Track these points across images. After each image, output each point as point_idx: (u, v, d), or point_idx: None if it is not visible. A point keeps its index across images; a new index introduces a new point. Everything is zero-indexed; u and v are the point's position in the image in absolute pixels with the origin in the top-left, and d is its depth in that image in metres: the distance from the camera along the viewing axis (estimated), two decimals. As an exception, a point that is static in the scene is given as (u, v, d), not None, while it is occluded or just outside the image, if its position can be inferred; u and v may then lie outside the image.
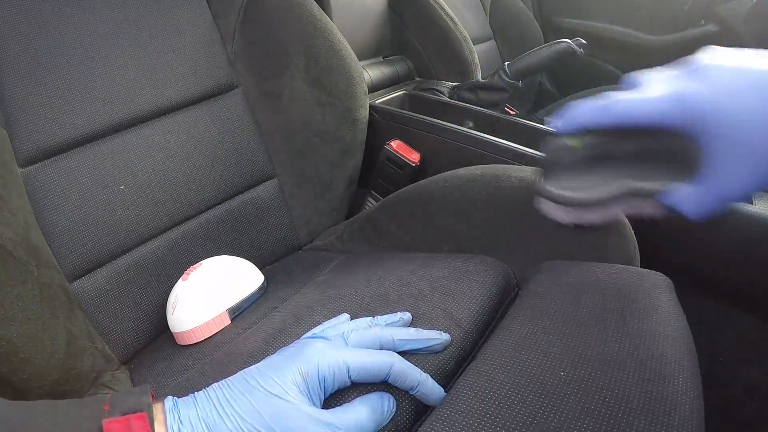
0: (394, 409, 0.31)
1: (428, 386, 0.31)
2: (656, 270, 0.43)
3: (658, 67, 0.33)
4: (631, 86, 0.34)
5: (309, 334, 0.34)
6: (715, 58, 0.30)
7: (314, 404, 0.28)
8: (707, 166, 0.29)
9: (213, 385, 0.29)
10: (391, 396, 0.31)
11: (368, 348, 0.32)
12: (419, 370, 0.32)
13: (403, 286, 0.45)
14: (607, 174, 0.34)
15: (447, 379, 0.36)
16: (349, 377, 0.29)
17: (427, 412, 0.33)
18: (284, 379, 0.27)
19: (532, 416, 0.29)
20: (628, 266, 0.44)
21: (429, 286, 0.44)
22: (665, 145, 0.32)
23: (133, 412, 0.25)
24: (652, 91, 0.31)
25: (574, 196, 0.35)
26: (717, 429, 0.57)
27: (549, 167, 0.36)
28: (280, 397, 0.26)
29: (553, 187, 0.36)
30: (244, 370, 0.29)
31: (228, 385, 0.28)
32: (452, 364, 0.37)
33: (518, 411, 0.30)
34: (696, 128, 0.29)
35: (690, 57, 0.31)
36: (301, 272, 0.58)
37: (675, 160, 0.32)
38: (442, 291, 0.43)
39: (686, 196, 0.31)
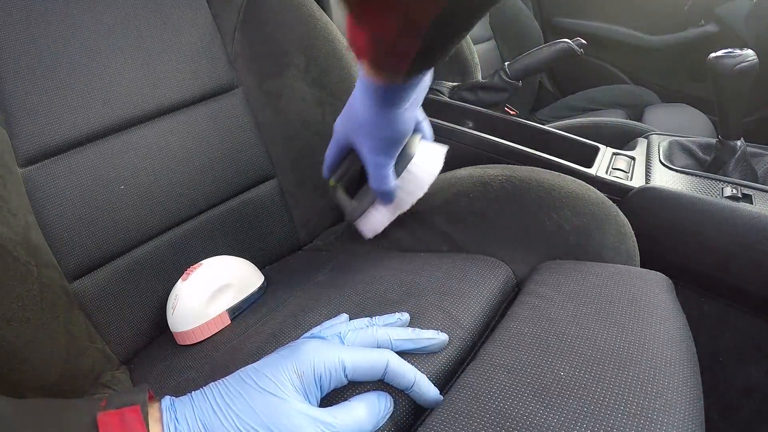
0: (392, 408, 0.31)
1: (423, 386, 0.31)
2: (656, 270, 0.43)
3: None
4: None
5: (307, 334, 0.34)
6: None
7: (310, 403, 0.28)
8: (362, 154, 0.47)
9: (210, 384, 0.29)
10: (388, 395, 0.31)
11: (365, 347, 0.32)
12: (415, 369, 0.32)
13: (402, 286, 0.45)
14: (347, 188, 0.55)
15: (447, 379, 0.36)
16: (345, 376, 0.29)
17: (427, 412, 0.33)
18: (280, 377, 0.27)
19: (531, 416, 0.29)
20: (628, 266, 0.44)
21: (429, 286, 0.44)
22: (349, 158, 0.51)
23: (129, 406, 0.25)
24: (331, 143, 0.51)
25: (348, 206, 0.53)
26: (717, 429, 0.57)
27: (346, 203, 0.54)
28: (276, 396, 0.26)
29: (349, 206, 0.53)
30: (241, 369, 0.29)
31: (224, 383, 0.28)
32: (452, 364, 0.37)
33: (518, 411, 0.30)
34: (350, 144, 0.48)
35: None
36: (301, 272, 0.58)
37: (356, 160, 0.50)
38: (442, 291, 0.43)
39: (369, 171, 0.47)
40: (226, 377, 0.29)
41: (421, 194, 0.51)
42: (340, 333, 0.33)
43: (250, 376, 0.28)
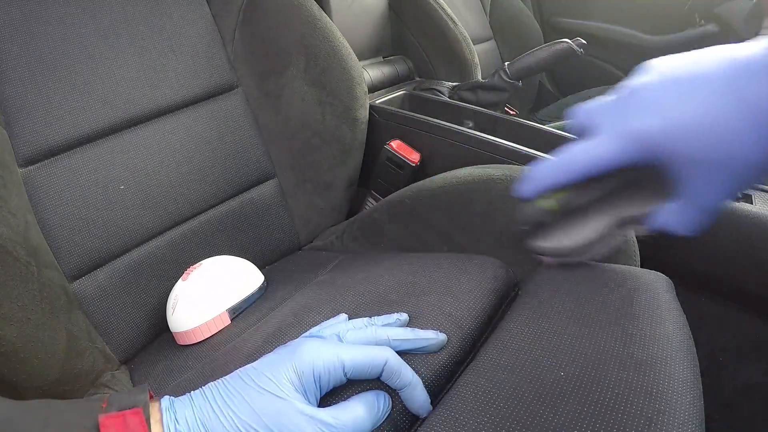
0: (390, 408, 0.31)
1: (417, 390, 0.31)
2: (656, 270, 0.43)
3: (598, 97, 0.33)
4: (578, 128, 0.34)
5: (306, 333, 0.34)
6: (651, 74, 0.30)
7: (310, 402, 0.28)
8: (680, 185, 0.30)
9: (209, 383, 0.29)
10: (386, 394, 0.31)
11: (364, 345, 0.32)
12: (413, 371, 0.31)
13: (402, 286, 0.45)
14: (590, 215, 0.35)
15: (447, 379, 0.36)
16: (345, 374, 0.29)
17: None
18: (279, 377, 0.27)
19: (531, 416, 0.29)
20: (628, 266, 0.44)
21: (429, 286, 0.44)
22: (634, 178, 0.33)
23: (130, 408, 0.25)
24: (603, 136, 0.31)
25: (567, 245, 0.35)
26: (717, 429, 0.57)
27: (533, 230, 0.37)
28: (276, 395, 0.26)
29: (544, 243, 0.36)
30: (240, 368, 0.29)
31: (224, 383, 0.28)
32: (452, 364, 0.37)
33: (518, 411, 0.30)
34: (657, 160, 0.29)
35: (626, 80, 0.31)
36: (301, 272, 0.58)
37: (648, 187, 0.33)
38: (442, 291, 0.43)
39: (671, 215, 0.32)
40: (226, 377, 0.29)
41: None
42: (339, 332, 0.33)
43: (249, 376, 0.28)
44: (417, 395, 0.31)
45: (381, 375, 0.30)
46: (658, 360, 0.32)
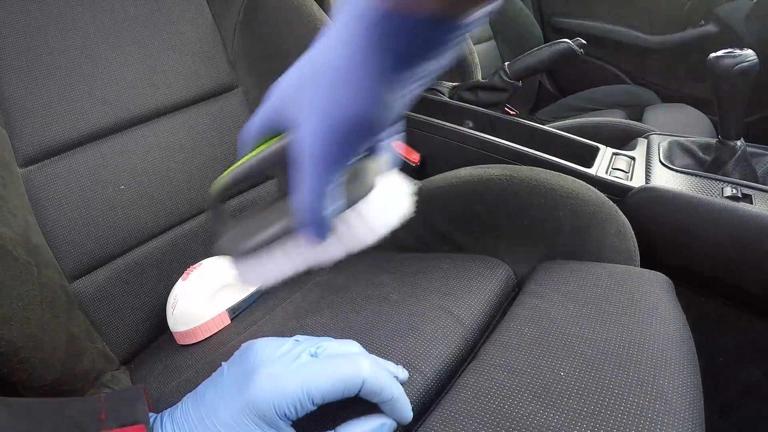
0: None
1: (399, 403, 0.28)
2: (656, 270, 0.43)
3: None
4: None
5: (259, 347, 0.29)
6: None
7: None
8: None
9: (176, 412, 0.27)
10: (393, 423, 0.29)
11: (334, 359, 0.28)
12: (395, 384, 0.28)
13: (403, 286, 0.45)
14: (262, 219, 0.31)
15: (447, 378, 0.36)
16: (314, 405, 0.26)
17: (427, 413, 0.33)
18: (241, 421, 0.25)
19: (531, 416, 0.29)
20: (628, 266, 0.44)
21: (429, 286, 0.44)
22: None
23: (131, 424, 0.25)
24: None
25: (245, 245, 0.30)
26: (717, 429, 0.57)
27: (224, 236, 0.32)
28: None
29: (224, 243, 0.31)
30: (197, 397, 0.27)
31: (188, 417, 0.26)
32: (453, 364, 0.37)
33: (518, 410, 0.30)
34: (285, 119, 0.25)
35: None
36: (301, 272, 0.58)
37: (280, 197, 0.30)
38: (443, 291, 0.43)
39: (294, 218, 0.28)
40: (188, 405, 0.27)
41: (363, 245, 0.31)
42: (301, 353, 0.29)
43: (210, 416, 0.25)
44: (399, 408, 0.28)
45: (359, 393, 0.27)
46: (658, 360, 0.32)
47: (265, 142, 0.28)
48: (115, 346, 0.50)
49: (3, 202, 0.40)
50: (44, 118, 0.47)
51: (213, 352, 0.46)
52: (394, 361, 0.35)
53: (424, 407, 0.33)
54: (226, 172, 0.30)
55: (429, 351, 0.36)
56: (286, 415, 0.25)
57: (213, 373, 0.28)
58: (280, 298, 0.52)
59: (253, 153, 0.28)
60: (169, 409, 0.28)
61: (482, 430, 0.29)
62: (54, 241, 0.46)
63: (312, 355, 0.29)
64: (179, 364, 0.46)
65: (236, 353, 0.29)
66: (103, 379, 0.48)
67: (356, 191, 0.27)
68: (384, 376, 0.28)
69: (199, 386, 0.28)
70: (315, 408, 0.26)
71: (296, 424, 0.28)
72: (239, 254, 0.30)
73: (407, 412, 0.29)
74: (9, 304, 0.38)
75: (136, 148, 0.53)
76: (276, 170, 0.28)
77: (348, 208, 0.27)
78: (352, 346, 0.31)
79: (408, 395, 0.33)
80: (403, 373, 0.33)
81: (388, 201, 0.30)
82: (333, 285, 0.50)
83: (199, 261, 0.54)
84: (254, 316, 0.50)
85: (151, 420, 0.26)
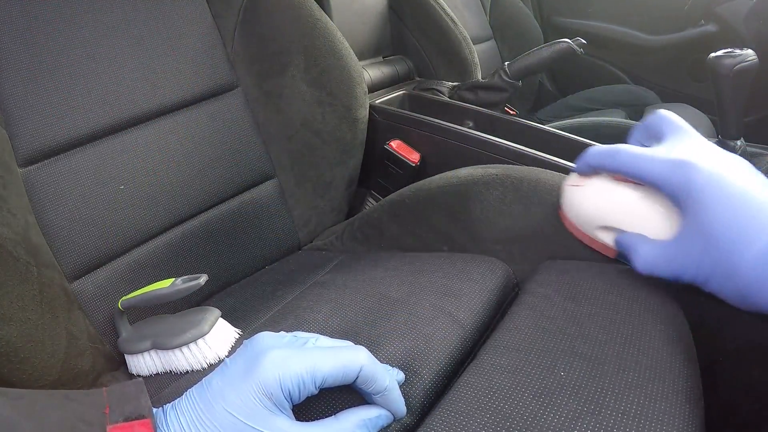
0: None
1: (393, 394, 0.29)
2: (656, 270, 0.43)
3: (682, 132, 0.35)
4: (656, 132, 0.36)
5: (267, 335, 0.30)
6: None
7: (285, 414, 0.27)
8: (678, 235, 0.32)
9: (180, 404, 0.27)
10: (388, 415, 0.30)
11: (335, 347, 0.30)
12: (390, 376, 0.30)
13: (403, 286, 0.45)
14: None
15: (447, 378, 0.36)
16: (316, 387, 0.27)
17: (427, 413, 0.33)
18: (249, 401, 0.25)
19: (531, 416, 0.29)
20: (628, 266, 0.44)
21: (429, 286, 0.44)
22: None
23: (136, 418, 0.25)
24: (661, 152, 0.33)
25: (134, 347, 0.46)
26: (717, 429, 0.57)
27: None
28: (251, 426, 0.25)
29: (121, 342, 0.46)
30: (205, 384, 0.27)
31: (195, 407, 0.26)
32: (452, 365, 0.37)
33: (518, 411, 0.30)
34: (681, 199, 0.31)
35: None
36: (301, 272, 0.58)
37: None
38: (443, 291, 0.43)
39: (647, 248, 0.34)
40: (195, 397, 0.27)
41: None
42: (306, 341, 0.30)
43: (218, 401, 0.26)
44: (392, 400, 0.30)
45: (355, 381, 0.28)
46: (658, 360, 0.32)
47: None
48: (115, 346, 0.50)
49: (3, 202, 0.40)
50: (44, 118, 0.47)
51: (213, 352, 0.46)
52: (392, 361, 0.35)
53: (424, 407, 0.33)
54: (131, 294, 0.44)
55: (428, 351, 0.36)
56: (290, 393, 0.26)
57: (216, 368, 0.28)
58: (280, 297, 0.52)
59: (161, 285, 0.42)
60: (171, 403, 0.28)
61: (482, 430, 0.29)
62: (54, 241, 0.46)
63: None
64: (179, 364, 0.46)
65: (239, 348, 0.29)
66: (103, 379, 0.48)
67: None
68: (379, 367, 0.29)
69: (204, 379, 0.28)
70: (316, 391, 0.27)
71: (299, 412, 0.28)
72: (130, 352, 0.46)
73: (401, 405, 0.30)
74: (9, 304, 0.38)
75: (136, 148, 0.53)
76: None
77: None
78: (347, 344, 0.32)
79: (407, 395, 0.33)
80: (399, 375, 0.34)
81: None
82: (333, 284, 0.50)
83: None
84: (254, 316, 0.50)
85: (153, 413, 0.27)
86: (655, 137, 0.36)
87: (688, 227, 0.31)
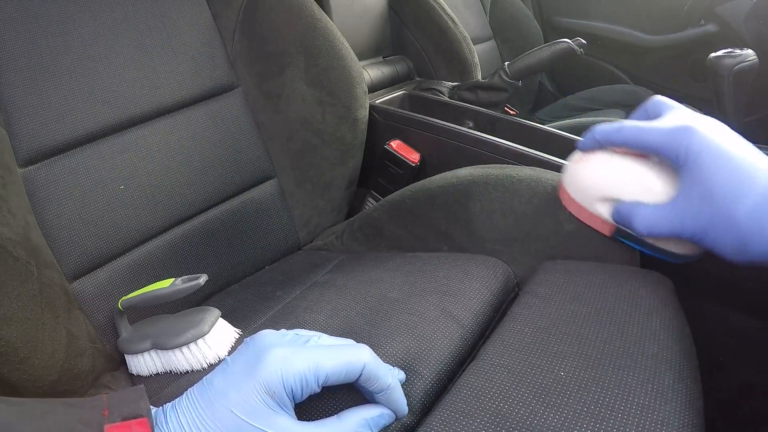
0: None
1: (395, 394, 0.29)
2: (656, 270, 0.43)
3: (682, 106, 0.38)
4: (654, 113, 0.39)
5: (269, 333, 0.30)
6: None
7: (287, 413, 0.26)
8: (677, 194, 0.34)
9: (179, 403, 0.27)
10: (390, 414, 0.30)
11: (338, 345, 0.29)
12: (392, 375, 0.30)
13: (403, 286, 0.45)
14: None
15: (447, 378, 0.36)
16: (319, 385, 0.27)
17: (427, 413, 0.33)
18: (251, 400, 0.25)
19: (531, 416, 0.29)
20: (628, 266, 0.44)
21: (429, 286, 0.44)
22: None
23: (134, 418, 0.25)
24: (661, 123, 0.36)
25: (135, 347, 0.46)
26: (717, 429, 0.57)
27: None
28: (254, 426, 0.25)
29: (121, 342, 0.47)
30: (206, 382, 0.27)
31: (195, 406, 0.26)
32: (452, 364, 0.37)
33: (518, 411, 0.30)
34: (681, 161, 0.33)
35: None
36: (301, 272, 0.58)
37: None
38: (443, 291, 0.43)
39: (647, 210, 0.36)
40: (196, 397, 0.27)
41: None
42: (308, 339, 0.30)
43: (219, 399, 0.26)
44: (395, 398, 0.29)
45: (358, 380, 0.28)
46: (658, 360, 0.32)
47: None
48: (114, 346, 0.50)
49: (3, 202, 0.40)
50: (44, 118, 0.47)
51: (213, 352, 0.46)
52: (393, 361, 0.35)
53: (424, 407, 0.33)
54: (131, 294, 0.44)
55: (428, 351, 0.36)
56: (293, 391, 0.26)
57: (217, 366, 0.28)
58: (280, 298, 0.52)
59: (161, 285, 0.42)
60: (171, 402, 0.28)
61: (482, 430, 0.29)
62: (54, 241, 0.46)
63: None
64: (179, 364, 0.46)
65: (240, 346, 0.29)
66: (103, 379, 0.48)
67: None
68: (382, 365, 0.29)
69: (205, 377, 0.28)
70: (319, 390, 0.27)
71: (301, 412, 0.28)
72: (129, 352, 0.46)
73: (403, 404, 0.30)
74: (9, 304, 0.38)
75: (136, 148, 0.53)
76: None
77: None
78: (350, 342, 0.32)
79: (408, 395, 0.33)
80: (399, 374, 0.33)
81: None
82: (333, 284, 0.50)
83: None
84: (254, 316, 0.50)
85: (153, 412, 0.26)
86: (653, 117, 0.38)
87: (686, 185, 0.33)
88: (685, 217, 0.33)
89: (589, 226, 0.44)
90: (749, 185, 0.30)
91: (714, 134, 0.32)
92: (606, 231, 0.43)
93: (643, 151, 0.37)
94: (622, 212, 0.39)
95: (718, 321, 0.58)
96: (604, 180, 0.40)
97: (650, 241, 0.39)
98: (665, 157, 0.35)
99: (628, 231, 0.40)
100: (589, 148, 0.41)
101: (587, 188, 0.42)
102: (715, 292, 0.57)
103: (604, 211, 0.41)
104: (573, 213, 0.44)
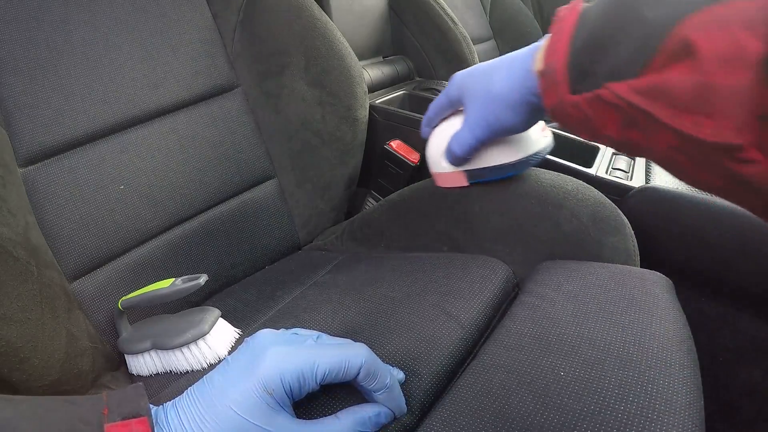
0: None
1: (394, 392, 0.30)
2: (656, 270, 0.43)
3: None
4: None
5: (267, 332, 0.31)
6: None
7: (286, 411, 0.27)
8: (465, 116, 0.45)
9: (179, 402, 0.27)
10: (389, 413, 0.30)
11: (337, 343, 0.30)
12: (391, 374, 0.30)
13: (403, 286, 0.45)
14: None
15: (447, 378, 0.36)
16: (317, 383, 0.27)
17: (427, 413, 0.33)
18: (250, 398, 0.25)
19: (531, 416, 0.29)
20: (628, 266, 0.44)
21: (429, 286, 0.44)
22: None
23: (134, 417, 0.25)
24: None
25: (135, 347, 0.46)
26: (717, 429, 0.57)
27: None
28: (255, 424, 0.25)
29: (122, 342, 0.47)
30: (206, 382, 0.27)
31: (195, 406, 0.26)
32: (452, 364, 0.37)
33: (518, 411, 0.30)
34: (461, 94, 0.44)
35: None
36: (301, 272, 0.58)
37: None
38: (442, 291, 0.43)
39: (456, 138, 0.46)
40: (195, 391, 0.27)
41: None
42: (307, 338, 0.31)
43: (219, 397, 0.26)
44: (394, 397, 0.30)
45: (357, 378, 0.28)
46: (658, 360, 0.32)
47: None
48: (115, 347, 0.50)
49: (3, 202, 0.40)
50: (44, 118, 0.47)
51: (213, 352, 0.46)
52: (392, 361, 0.35)
53: (424, 407, 0.33)
54: (131, 294, 0.44)
55: (428, 351, 0.36)
56: (291, 388, 0.26)
57: (217, 366, 0.28)
58: (280, 298, 0.52)
59: (161, 285, 0.43)
60: (171, 401, 0.28)
61: (482, 430, 0.29)
62: (54, 241, 0.46)
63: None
64: (179, 364, 0.46)
65: (240, 346, 0.29)
66: (103, 379, 0.48)
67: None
68: (380, 363, 0.29)
69: (205, 376, 0.28)
70: (317, 387, 0.27)
71: (300, 411, 0.28)
72: (130, 352, 0.46)
73: (402, 403, 0.30)
74: (9, 304, 0.38)
75: (136, 148, 0.53)
76: None
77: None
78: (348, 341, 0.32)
79: (407, 395, 0.33)
80: (399, 374, 0.34)
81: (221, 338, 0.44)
82: (333, 284, 0.50)
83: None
84: (254, 316, 0.50)
85: (153, 411, 0.27)
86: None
87: (466, 107, 0.44)
88: (470, 122, 0.43)
89: (457, 188, 0.52)
90: (493, 73, 0.40)
91: (466, 71, 0.44)
92: (465, 182, 0.51)
93: (442, 112, 0.48)
94: (447, 151, 0.48)
95: (718, 321, 0.58)
96: (437, 144, 0.50)
97: (482, 164, 0.47)
98: (460, 103, 0.45)
99: (471, 169, 0.49)
100: (427, 134, 0.51)
101: (433, 157, 0.51)
102: (715, 292, 0.57)
103: (448, 165, 0.50)
104: (443, 185, 0.53)
